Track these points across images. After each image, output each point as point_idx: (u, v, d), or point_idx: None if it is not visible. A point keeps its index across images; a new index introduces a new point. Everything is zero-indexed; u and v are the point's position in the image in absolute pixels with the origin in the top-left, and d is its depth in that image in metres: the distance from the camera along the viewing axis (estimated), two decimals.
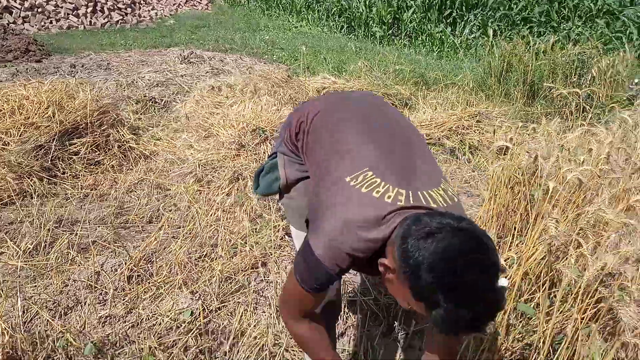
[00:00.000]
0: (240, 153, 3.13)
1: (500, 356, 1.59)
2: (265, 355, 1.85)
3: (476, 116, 4.44)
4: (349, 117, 1.26)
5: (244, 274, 2.27)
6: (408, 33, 9.97)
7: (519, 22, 9.54)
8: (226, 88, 4.74)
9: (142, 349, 1.75)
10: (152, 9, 15.05)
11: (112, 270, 2.22)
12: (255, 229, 2.64)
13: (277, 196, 1.49)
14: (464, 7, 10.29)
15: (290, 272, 1.17)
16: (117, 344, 1.81)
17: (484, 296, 0.85)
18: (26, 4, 11.86)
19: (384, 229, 1.00)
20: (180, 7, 17.28)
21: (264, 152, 3.07)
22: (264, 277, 2.29)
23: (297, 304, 1.16)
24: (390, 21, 10.42)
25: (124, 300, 2.05)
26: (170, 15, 15.20)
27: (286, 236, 2.63)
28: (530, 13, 9.46)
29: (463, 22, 9.94)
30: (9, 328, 1.71)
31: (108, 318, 1.96)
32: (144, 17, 13.84)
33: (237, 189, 2.96)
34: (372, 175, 1.06)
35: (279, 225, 2.69)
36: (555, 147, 2.10)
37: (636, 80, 4.60)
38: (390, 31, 10.30)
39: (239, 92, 4.61)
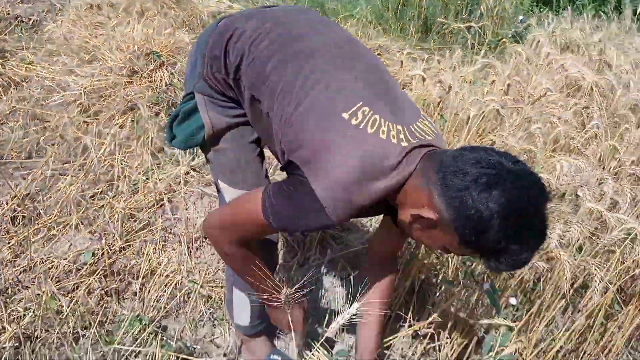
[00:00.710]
0: (133, 80, 2.83)
1: None
2: (179, 292, 1.79)
3: (377, 49, 4.48)
4: (313, 40, 1.07)
5: (149, 212, 2.13)
6: None
7: None
8: (108, 7, 4.20)
9: (38, 294, 1.58)
10: None
11: None
12: (158, 163, 2.46)
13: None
14: None
15: (241, 198, 1.09)
16: (9, 291, 1.62)
17: (542, 240, 0.88)
18: None
19: (395, 175, 0.92)
20: None
21: (160, 80, 2.81)
22: (172, 214, 2.17)
23: (245, 231, 1.05)
24: None
25: (9, 243, 1.82)
26: None
27: (192, 171, 2.50)
28: None
29: None
30: None
31: None
32: None
33: (133, 120, 2.71)
34: (370, 112, 0.94)
35: (181, 159, 2.54)
36: (458, 79, 2.19)
37: (521, 17, 4.95)
38: None
39: (123, 11, 4.11)
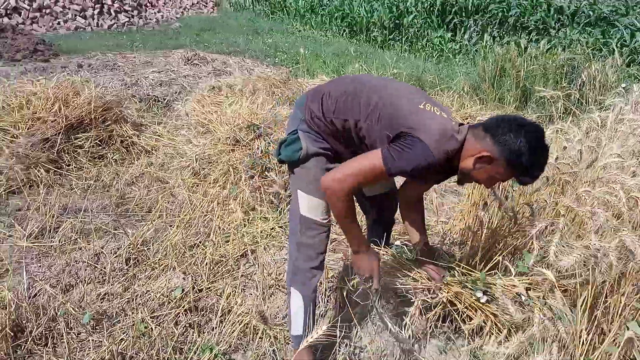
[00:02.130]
0: (235, 148, 3.30)
1: None
2: (249, 331, 2.01)
3: (467, 118, 4.59)
4: (375, 79, 1.71)
5: (234, 259, 2.43)
6: (408, 38, 10.14)
7: (517, 27, 9.70)
8: (226, 88, 4.92)
9: (134, 321, 1.91)
10: (158, 12, 15.31)
11: (111, 253, 2.38)
12: (248, 219, 2.80)
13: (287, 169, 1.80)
14: (464, 13, 10.46)
15: (361, 157, 1.54)
16: (113, 317, 1.97)
17: (548, 158, 1.50)
18: (34, 5, 12.11)
19: (458, 135, 1.49)
20: (187, 10, 17.53)
21: (257, 148, 3.23)
22: (253, 262, 2.45)
23: (364, 179, 1.51)
24: (391, 26, 10.59)
25: (121, 279, 2.22)
26: (177, 18, 15.44)
27: (277, 227, 2.79)
28: (529, 20, 9.61)
29: (463, 28, 10.11)
30: (15, 299, 1.88)
31: (106, 295, 2.12)
32: (150, 19, 14.09)
33: (232, 182, 3.12)
34: (430, 106, 1.52)
35: (270, 217, 2.85)
36: None
37: (624, 85, 4.74)
38: (391, 36, 10.46)
39: (239, 92, 4.78)
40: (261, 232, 2.71)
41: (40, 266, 2.30)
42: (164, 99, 5.29)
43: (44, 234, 2.60)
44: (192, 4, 18.14)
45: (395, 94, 1.57)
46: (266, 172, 3.15)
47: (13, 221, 2.73)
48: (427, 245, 1.95)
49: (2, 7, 11.71)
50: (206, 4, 18.62)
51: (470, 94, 6.02)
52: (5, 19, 11.38)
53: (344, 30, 11.90)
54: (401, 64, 7.70)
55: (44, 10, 12.20)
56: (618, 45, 6.88)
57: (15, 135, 3.48)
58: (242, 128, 3.37)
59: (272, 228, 2.78)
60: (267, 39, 10.60)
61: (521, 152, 1.41)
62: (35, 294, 2.08)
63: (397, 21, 10.65)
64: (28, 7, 12.02)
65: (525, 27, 9.70)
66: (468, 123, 1.59)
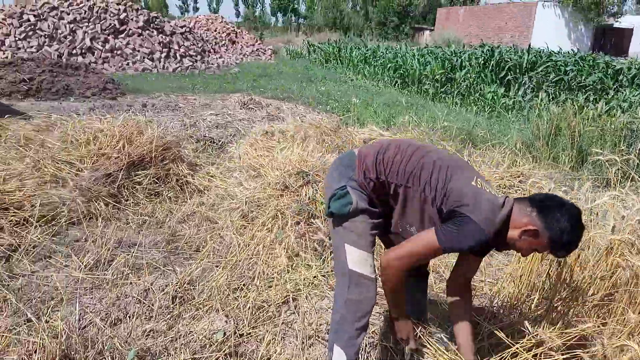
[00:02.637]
0: (283, 193, 3.36)
1: None
2: None
3: (519, 176, 4.49)
4: (430, 148, 1.82)
5: (276, 305, 2.43)
6: (460, 91, 10.17)
7: (574, 87, 9.54)
8: (279, 133, 5.08)
9: None
10: (220, 57, 16.20)
11: (159, 290, 2.45)
12: (292, 265, 2.81)
13: (331, 222, 1.83)
14: (518, 70, 10.42)
15: (417, 237, 1.67)
16: (157, 355, 2.01)
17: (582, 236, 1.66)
18: (107, 46, 13.14)
19: (504, 209, 1.60)
20: (246, 56, 18.46)
21: (305, 194, 3.28)
22: (294, 310, 2.45)
23: (419, 257, 1.67)
24: (443, 79, 10.69)
25: (167, 317, 2.27)
26: (236, 63, 16.28)
27: (319, 275, 2.79)
28: (585, 79, 9.44)
29: (517, 84, 10.04)
30: (66, 329, 1.95)
31: (151, 332, 2.17)
32: (212, 64, 14.91)
33: (278, 227, 3.17)
34: (480, 182, 1.65)
35: (313, 265, 2.86)
36: (585, 211, 2.18)
37: None
38: (443, 89, 10.54)
39: (290, 138, 4.92)
40: (304, 279, 2.71)
41: (92, 298, 2.40)
42: (219, 141, 5.52)
43: (99, 266, 2.71)
44: (252, 51, 19.11)
45: (451, 169, 1.67)
46: (312, 219, 3.18)
47: (70, 252, 2.88)
48: (473, 333, 1.93)
49: (78, 47, 12.77)
50: (264, 51, 19.57)
51: (522, 151, 5.92)
52: (80, 58, 12.37)
53: (396, 82, 12.11)
54: (452, 117, 7.71)
55: (115, 51, 13.19)
56: None
57: (80, 169, 3.71)
58: (291, 174, 3.44)
59: (315, 276, 2.78)
60: (320, 87, 10.93)
61: (564, 230, 1.55)
62: (85, 326, 2.15)
63: (449, 75, 10.74)
64: (101, 48, 13.04)
65: (582, 87, 9.53)
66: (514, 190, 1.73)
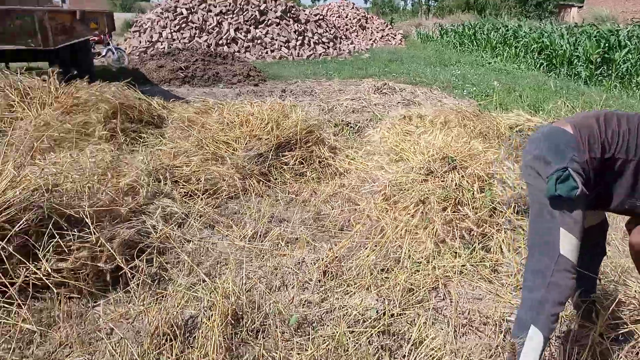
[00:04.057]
0: (428, 178, 3.30)
1: None
2: None
3: None
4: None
5: (425, 290, 2.41)
6: (620, 74, 9.00)
7: None
8: (416, 118, 4.99)
9: (334, 332, 2.02)
10: (351, 43, 16.37)
11: (311, 263, 2.57)
12: (438, 251, 2.76)
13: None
14: None
15: None
16: (314, 324, 2.12)
17: None
18: (249, 36, 14.03)
19: None
20: (376, 42, 18.42)
21: (451, 180, 3.18)
22: (444, 297, 2.40)
23: None
24: (598, 61, 9.56)
25: (320, 289, 2.37)
26: (366, 49, 16.34)
27: (467, 264, 2.70)
28: None
29: None
30: (236, 290, 2.15)
31: (306, 302, 2.29)
32: (343, 50, 15.15)
33: (422, 212, 3.12)
34: None
35: (462, 253, 2.77)
36: None
37: None
38: (598, 71, 9.43)
39: (429, 122, 4.80)
40: (452, 267, 2.64)
41: (253, 265, 2.60)
42: (356, 125, 5.60)
43: (255, 237, 2.93)
44: (382, 36, 19.00)
45: None
46: (459, 206, 3.08)
47: (231, 222, 3.15)
48: None
49: (224, 37, 13.83)
50: (394, 36, 19.33)
51: None
52: (225, 48, 13.40)
53: (541, 64, 11.13)
54: (611, 102, 6.87)
55: (255, 41, 14.04)
56: None
57: (235, 149, 4.03)
58: (436, 159, 3.36)
59: (463, 265, 2.69)
60: (455, 71, 10.49)
61: None
62: (249, 290, 2.34)
63: (606, 55, 9.57)
64: (243, 38, 13.96)
65: None
66: None
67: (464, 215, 3.02)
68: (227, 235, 2.99)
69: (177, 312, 2.04)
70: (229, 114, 4.51)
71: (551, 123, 1.83)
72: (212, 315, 2.03)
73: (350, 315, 2.15)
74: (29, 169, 2.45)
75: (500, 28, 15.47)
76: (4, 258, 2.07)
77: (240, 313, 2.11)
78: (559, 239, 1.66)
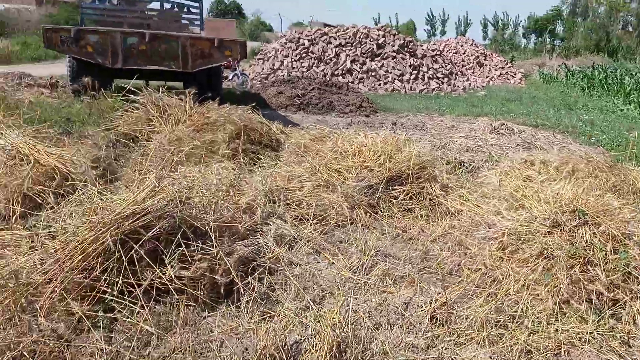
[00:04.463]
0: (553, 231, 3.04)
1: None
2: None
3: None
4: None
5: (545, 354, 2.19)
6: None
7: None
8: (540, 164, 4.67)
9: None
10: (467, 80, 15.99)
11: (418, 305, 2.47)
12: (561, 313, 2.51)
13: None
14: None
15: None
16: None
17: None
18: (364, 68, 14.33)
19: None
20: (493, 80, 17.80)
21: (581, 236, 2.89)
22: None
23: None
24: None
25: (426, 335, 2.26)
26: (482, 87, 15.84)
27: (595, 332, 2.41)
28: None
29: None
30: (343, 322, 2.12)
31: (411, 346, 2.19)
32: (458, 86, 14.83)
33: (544, 267, 2.87)
34: None
35: (588, 318, 2.49)
36: None
37: None
38: None
39: (554, 169, 4.47)
40: (577, 333, 2.38)
41: (357, 298, 2.57)
42: (470, 165, 5.39)
43: (361, 269, 2.89)
44: (500, 74, 18.33)
45: None
46: (588, 265, 2.78)
47: (337, 251, 3.16)
48: None
49: (340, 68, 14.28)
50: (514, 74, 18.53)
51: None
52: (340, 78, 13.80)
53: None
54: None
55: (370, 73, 14.30)
56: None
57: (346, 178, 4.07)
58: (564, 211, 3.08)
59: (590, 333, 2.41)
60: (582, 116, 9.73)
61: None
62: (354, 322, 2.31)
63: None
64: (359, 69, 14.30)
65: None
66: None
67: (593, 276, 2.72)
68: (332, 264, 3.00)
69: (284, 335, 2.07)
70: (343, 143, 4.58)
71: None
72: (317, 344, 2.02)
73: None
74: (167, 181, 2.68)
75: (636, 74, 14.14)
76: (135, 260, 2.26)
77: (344, 346, 2.08)
78: None
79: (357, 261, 2.97)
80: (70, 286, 2.06)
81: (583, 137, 7.57)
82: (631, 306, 2.61)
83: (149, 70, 6.91)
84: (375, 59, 14.65)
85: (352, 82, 13.84)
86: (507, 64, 19.60)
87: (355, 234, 3.45)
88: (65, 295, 2.03)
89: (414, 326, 2.34)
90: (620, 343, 2.38)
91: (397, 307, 2.46)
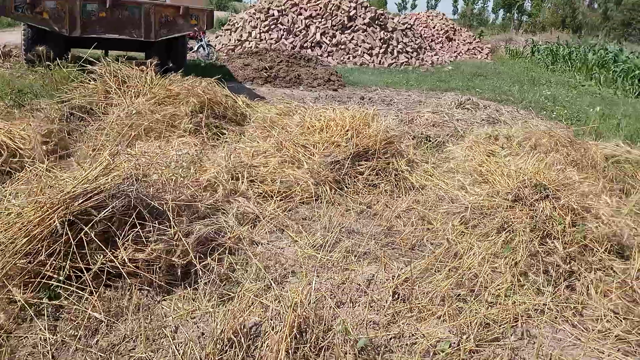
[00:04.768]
0: (515, 205, 3.07)
1: None
2: None
3: None
4: None
5: (503, 327, 2.23)
6: None
7: None
8: (503, 138, 4.72)
9: None
10: (435, 55, 16.00)
11: (381, 282, 2.47)
12: (520, 285, 2.55)
13: None
14: None
15: None
16: (380, 349, 2.01)
17: None
18: (334, 41, 14.10)
19: None
20: (461, 54, 17.87)
21: (541, 210, 2.94)
22: (523, 337, 2.21)
23: None
24: None
25: (388, 312, 2.26)
26: (450, 61, 15.89)
27: (550, 304, 2.47)
28: None
29: None
30: (304, 302, 2.09)
31: (372, 323, 2.19)
32: (426, 61, 14.83)
33: (504, 240, 2.91)
34: None
35: (545, 290, 2.55)
36: None
37: None
38: None
39: (517, 144, 4.52)
40: (534, 304, 2.43)
41: (320, 276, 2.54)
42: (435, 140, 5.39)
43: (324, 246, 2.86)
44: (467, 49, 18.41)
45: None
46: (546, 238, 2.84)
47: (301, 228, 3.11)
48: None
49: (309, 41, 14.01)
50: (481, 50, 18.64)
51: None
52: (309, 51, 13.55)
53: None
54: None
55: (339, 46, 14.09)
56: None
57: (312, 153, 4.01)
58: (527, 185, 3.12)
59: (546, 304, 2.46)
60: (545, 91, 9.89)
61: None
62: (316, 302, 2.28)
63: None
64: (328, 42, 14.06)
65: None
66: None
67: (551, 248, 2.78)
68: (296, 242, 2.96)
69: (243, 318, 2.02)
70: (310, 118, 4.50)
71: None
72: (277, 326, 1.99)
73: (420, 345, 2.02)
74: (123, 157, 2.55)
75: (598, 50, 14.45)
76: (85, 243, 2.15)
77: (305, 326, 2.05)
78: None
79: (321, 239, 2.94)
80: (13, 272, 1.95)
81: (545, 112, 7.70)
82: (586, 277, 2.68)
83: (109, 39, 6.57)
84: (346, 32, 14.43)
85: (322, 55, 13.62)
86: (475, 39, 19.68)
87: (320, 211, 3.41)
88: (6, 282, 1.92)
89: (377, 303, 2.33)
90: (573, 313, 2.44)
91: (359, 285, 2.45)
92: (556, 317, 2.40)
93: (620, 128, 6.35)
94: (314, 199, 3.57)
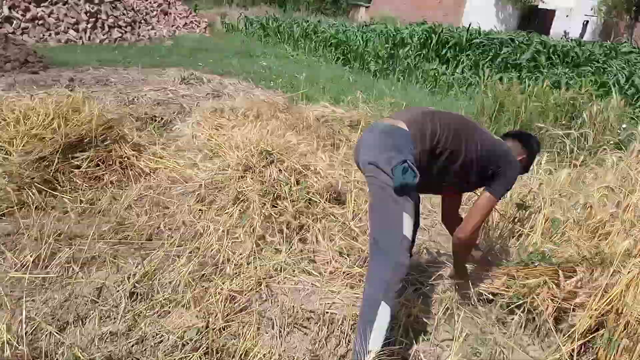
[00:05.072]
0: (245, 175, 3.15)
1: None
2: None
3: None
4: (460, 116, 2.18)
5: (248, 295, 2.26)
6: (402, 68, 10.21)
7: (508, 65, 9.87)
8: (229, 110, 4.80)
9: None
10: (152, 29, 15.21)
11: (114, 287, 2.19)
12: (260, 249, 2.64)
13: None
14: (457, 48, 10.62)
15: (479, 204, 2.07)
16: None
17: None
18: (28, 15, 11.89)
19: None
20: (179, 29, 17.49)
21: (269, 175, 3.08)
22: (268, 298, 2.29)
23: (485, 217, 2.13)
24: (385, 56, 10.68)
25: (127, 317, 2.03)
26: (169, 36, 15.36)
27: (288, 259, 2.64)
28: (520, 58, 9.80)
29: (456, 62, 10.25)
30: (13, 340, 1.68)
31: (110, 335, 1.93)
32: (143, 36, 13.97)
33: (240, 210, 2.97)
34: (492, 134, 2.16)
35: (282, 248, 2.70)
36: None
37: (624, 125, 4.78)
38: (385, 65, 10.53)
39: (242, 115, 4.67)
40: (274, 264, 2.55)
41: (36, 301, 2.10)
42: (162, 119, 5.13)
43: (39, 263, 2.38)
44: (185, 23, 18.12)
45: (486, 133, 2.10)
46: (277, 201, 3.01)
47: (3, 248, 2.51)
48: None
49: None
50: (199, 24, 18.61)
51: None
52: None
53: (338, 58, 11.96)
54: (397, 93, 7.71)
55: (36, 21, 11.98)
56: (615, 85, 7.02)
57: (9, 152, 3.27)
58: (254, 154, 3.22)
59: (284, 261, 2.62)
60: (261, 62, 10.56)
61: (534, 151, 2.22)
62: (33, 333, 1.87)
63: (392, 51, 10.75)
64: (21, 18, 11.79)
65: (516, 65, 9.87)
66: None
67: (282, 209, 2.96)
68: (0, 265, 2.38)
69: None
70: (2, 109, 3.65)
71: (385, 121, 2.06)
72: None
73: (166, 342, 1.87)
74: None
75: (301, 23, 16.19)
76: None
77: None
78: (402, 222, 1.84)
79: (32, 254, 2.43)
80: None
81: (264, 82, 8.23)
82: (313, 228, 2.97)
83: None
84: (42, 5, 12.29)
85: (14, 33, 11.32)
86: (190, 13, 19.52)
87: (27, 221, 2.81)
88: None
89: (112, 311, 2.06)
90: (307, 262, 2.67)
91: (88, 297, 2.12)
92: (294, 271, 2.58)
93: (325, 91, 7.26)
94: (17, 208, 2.93)
